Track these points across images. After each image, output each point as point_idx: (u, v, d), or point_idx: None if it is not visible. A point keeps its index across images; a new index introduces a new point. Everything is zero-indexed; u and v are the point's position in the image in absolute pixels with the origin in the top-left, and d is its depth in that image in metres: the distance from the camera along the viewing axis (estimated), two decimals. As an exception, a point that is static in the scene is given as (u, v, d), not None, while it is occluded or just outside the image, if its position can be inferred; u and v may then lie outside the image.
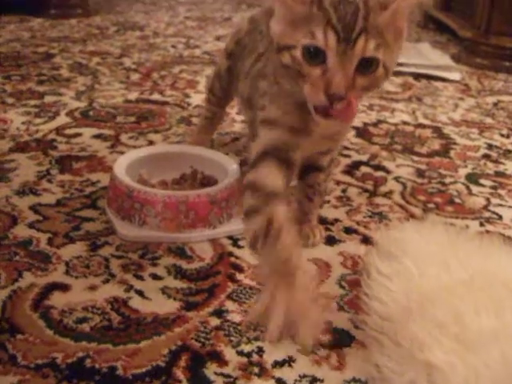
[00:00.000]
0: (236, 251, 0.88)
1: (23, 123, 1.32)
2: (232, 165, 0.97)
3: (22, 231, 0.90)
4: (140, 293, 0.77)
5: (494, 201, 1.10)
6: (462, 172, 1.23)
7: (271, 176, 0.75)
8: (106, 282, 0.79)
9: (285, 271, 0.70)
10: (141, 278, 0.80)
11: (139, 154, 1.00)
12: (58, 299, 0.75)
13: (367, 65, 0.69)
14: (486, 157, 1.33)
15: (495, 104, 1.75)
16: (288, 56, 0.70)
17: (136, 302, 0.75)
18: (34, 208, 0.96)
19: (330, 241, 0.93)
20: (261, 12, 1.03)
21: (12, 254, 0.84)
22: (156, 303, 0.75)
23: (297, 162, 0.80)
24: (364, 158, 1.27)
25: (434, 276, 0.73)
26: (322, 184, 0.93)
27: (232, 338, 0.70)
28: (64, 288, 0.77)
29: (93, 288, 0.77)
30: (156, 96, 1.57)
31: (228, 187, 0.91)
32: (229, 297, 0.77)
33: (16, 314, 0.72)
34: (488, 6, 2.12)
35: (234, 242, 0.90)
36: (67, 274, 0.80)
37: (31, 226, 0.91)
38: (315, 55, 0.68)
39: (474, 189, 1.15)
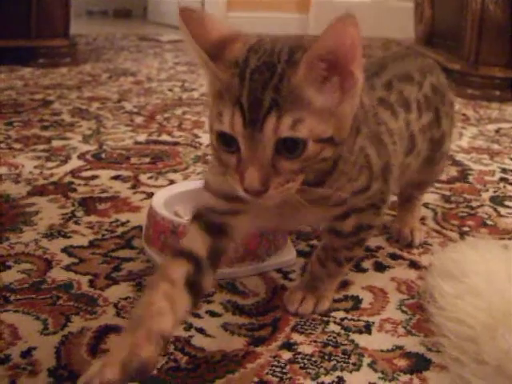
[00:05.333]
0: (288, 284, 0.85)
1: (35, 167, 1.28)
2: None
3: (59, 274, 0.85)
4: (201, 331, 0.73)
5: (525, 221, 1.10)
6: (486, 195, 1.23)
7: (193, 238, 0.67)
8: (162, 321, 0.75)
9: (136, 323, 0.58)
10: (198, 315, 0.76)
11: (173, 191, 0.97)
12: (114, 342, 0.71)
13: (291, 145, 0.55)
14: (504, 180, 1.33)
15: (497, 131, 1.77)
16: (212, 139, 0.59)
17: (199, 341, 0.71)
18: (66, 251, 0.92)
19: (379, 267, 0.91)
20: None
21: (54, 298, 0.79)
22: (220, 340, 0.71)
23: (237, 228, 0.69)
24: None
25: (506, 292, 0.72)
26: (342, 251, 0.77)
27: (309, 371, 0.66)
28: (119, 330, 0.73)
29: (149, 328, 0.73)
30: (165, 137, 1.54)
31: (274, 218, 0.88)
32: (294, 329, 0.74)
33: (73, 361, 0.67)
34: (476, 38, 2.18)
35: (284, 275, 0.87)
36: (118, 316, 0.76)
37: (68, 268, 0.87)
38: (228, 142, 0.56)
39: (502, 210, 1.15)
